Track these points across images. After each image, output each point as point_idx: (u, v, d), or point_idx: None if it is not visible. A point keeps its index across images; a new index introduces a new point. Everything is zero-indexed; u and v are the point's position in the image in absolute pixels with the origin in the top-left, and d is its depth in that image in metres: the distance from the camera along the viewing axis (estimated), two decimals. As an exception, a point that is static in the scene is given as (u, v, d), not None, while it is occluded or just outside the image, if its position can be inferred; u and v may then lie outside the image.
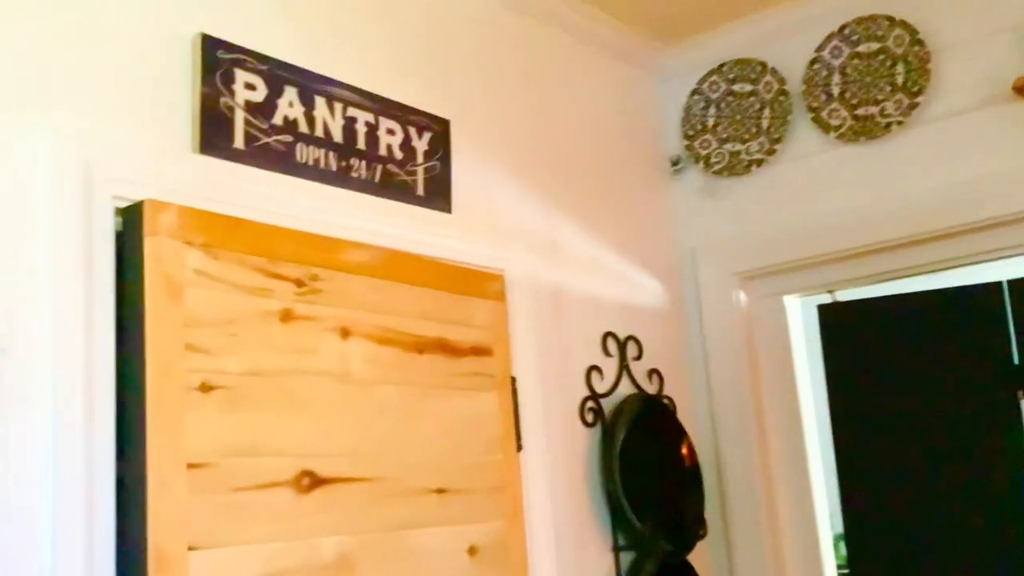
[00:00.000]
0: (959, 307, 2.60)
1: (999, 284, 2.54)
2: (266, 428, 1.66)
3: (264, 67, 1.85)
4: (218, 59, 1.77)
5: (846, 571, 2.82)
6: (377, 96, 2.06)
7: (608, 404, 2.51)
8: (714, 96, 2.88)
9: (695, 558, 2.57)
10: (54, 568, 1.39)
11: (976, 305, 2.56)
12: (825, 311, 2.77)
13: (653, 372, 2.70)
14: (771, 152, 2.75)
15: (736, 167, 2.81)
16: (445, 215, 2.19)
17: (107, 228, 1.57)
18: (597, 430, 2.47)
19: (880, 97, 2.57)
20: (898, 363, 2.67)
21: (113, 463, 1.50)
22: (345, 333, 1.85)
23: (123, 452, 1.52)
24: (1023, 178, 2.37)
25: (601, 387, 2.52)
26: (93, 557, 1.44)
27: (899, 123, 2.53)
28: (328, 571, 1.71)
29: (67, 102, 1.56)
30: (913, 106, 2.51)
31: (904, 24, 2.55)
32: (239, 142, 1.78)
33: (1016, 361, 2.50)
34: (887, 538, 2.65)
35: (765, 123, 2.77)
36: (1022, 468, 2.46)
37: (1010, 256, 2.51)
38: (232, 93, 1.78)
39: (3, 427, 1.37)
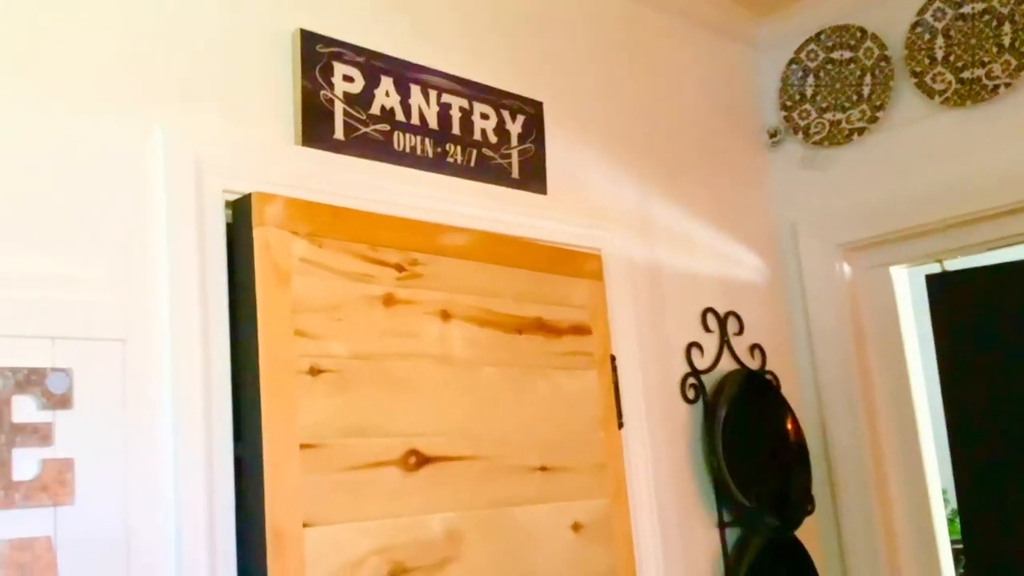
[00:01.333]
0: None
1: (1120, 248, 2.43)
2: (372, 409, 1.72)
3: (360, 59, 1.89)
4: (317, 53, 1.82)
5: (960, 547, 2.75)
6: (470, 82, 2.09)
7: (709, 380, 2.50)
8: (812, 65, 2.82)
9: (803, 534, 2.54)
10: (179, 546, 1.47)
11: (1096, 270, 2.46)
12: (934, 281, 2.68)
13: (755, 347, 2.68)
14: (873, 120, 2.68)
15: (837, 136, 2.76)
16: (540, 196, 2.21)
17: (218, 220, 1.64)
18: (699, 406, 2.47)
19: (986, 59, 2.48)
20: (1013, 333, 2.57)
21: (231, 445, 1.57)
22: (445, 316, 1.89)
23: (239, 434, 1.60)
24: None
25: (702, 363, 2.51)
26: (215, 535, 1.51)
27: (1007, 85, 2.44)
28: (437, 546, 1.76)
29: (176, 100, 1.64)
30: (1022, 67, 2.41)
31: (1010, -19, 2.45)
32: (339, 133, 1.83)
33: None
34: (1003, 515, 2.56)
35: (866, 90, 2.70)
36: None
37: None
38: (331, 86, 1.84)
39: (126, 413, 1.46)
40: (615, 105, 2.48)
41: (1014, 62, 2.43)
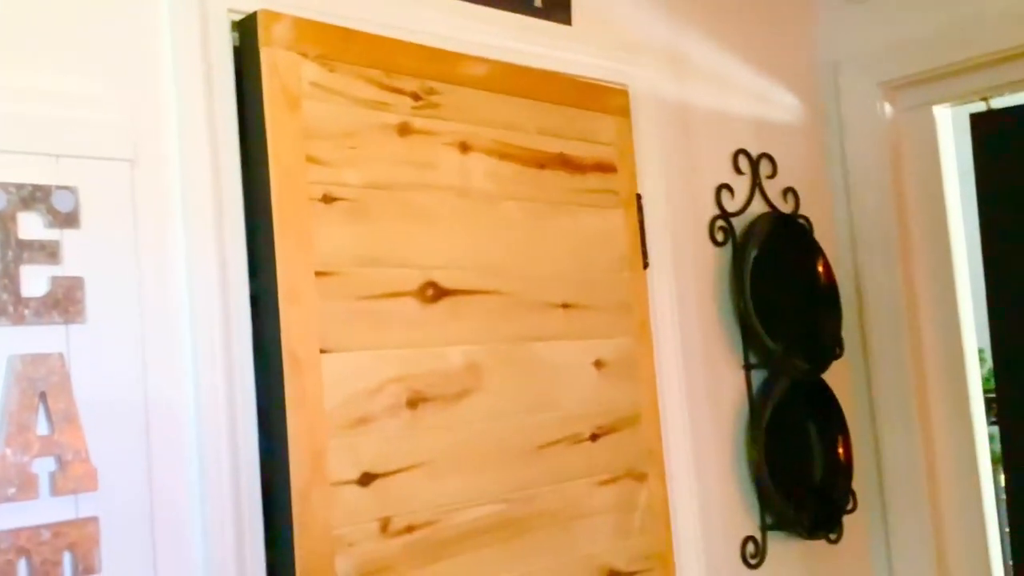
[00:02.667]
0: None
1: None
2: (389, 239, 1.69)
3: None
4: None
5: (993, 397, 2.72)
6: (489, -100, 1.97)
7: (739, 223, 2.44)
8: None
9: (831, 378, 2.52)
10: (195, 368, 1.47)
11: None
12: (978, 120, 2.56)
13: (788, 191, 2.60)
14: (923, -53, 2.52)
15: (883, -33, 2.60)
16: (565, 27, 2.11)
17: (224, 41, 1.58)
18: (727, 249, 2.41)
19: None
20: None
21: (245, 270, 1.56)
22: (464, 147, 1.84)
23: (253, 266, 1.58)
24: None
25: (732, 206, 2.44)
26: (232, 362, 1.51)
27: (1071, -98, 2.27)
28: (457, 376, 1.76)
29: (177, -85, 1.56)
30: None
31: None
32: (349, -48, 1.75)
33: None
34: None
35: (916, -85, 2.53)
36: None
37: None
38: (340, -99, 1.74)
39: (137, 235, 1.44)
40: (646, -68, 2.35)
41: None
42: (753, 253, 2.38)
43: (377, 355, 1.64)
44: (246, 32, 1.58)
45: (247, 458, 1.51)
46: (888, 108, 2.66)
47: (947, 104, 2.65)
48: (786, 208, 2.58)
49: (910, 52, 2.57)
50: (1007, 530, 2.64)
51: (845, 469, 2.50)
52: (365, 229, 1.66)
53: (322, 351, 1.57)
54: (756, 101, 2.58)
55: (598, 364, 2.02)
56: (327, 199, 1.61)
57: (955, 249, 2.67)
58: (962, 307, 2.66)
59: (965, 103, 2.63)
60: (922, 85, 2.61)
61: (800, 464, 2.48)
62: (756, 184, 2.52)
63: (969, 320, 2.68)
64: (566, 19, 2.11)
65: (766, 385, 2.40)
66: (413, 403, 1.68)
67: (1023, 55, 2.40)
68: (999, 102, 2.58)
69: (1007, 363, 2.58)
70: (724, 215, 2.42)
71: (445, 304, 1.76)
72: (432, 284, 1.74)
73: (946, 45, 2.50)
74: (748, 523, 2.35)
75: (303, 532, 1.50)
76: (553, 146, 2.01)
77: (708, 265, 2.38)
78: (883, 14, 2.63)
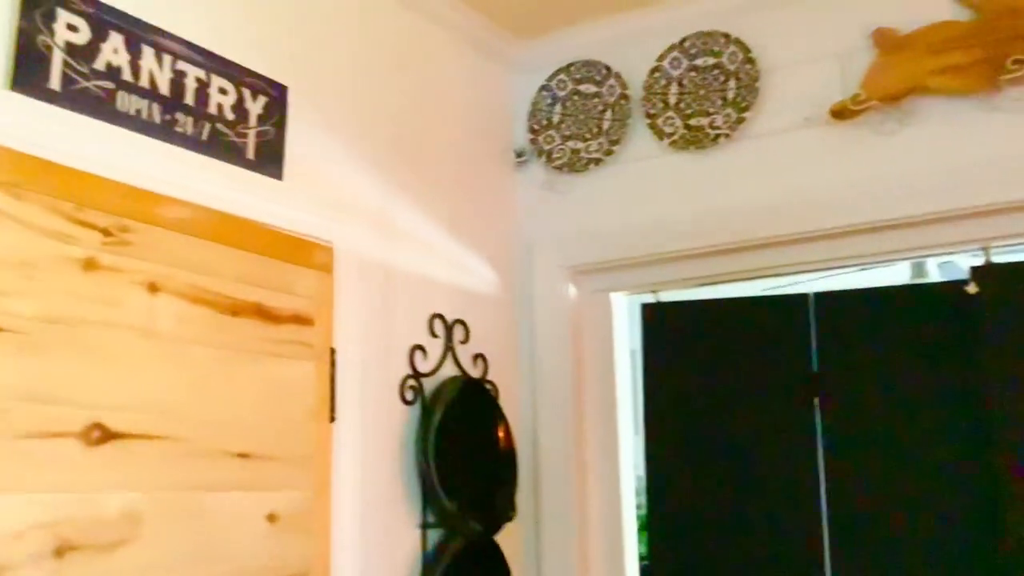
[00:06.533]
0: (769, 315, 2.74)
1: (806, 296, 2.69)
2: (58, 376, 1.63)
3: (90, 10, 1.80)
4: (39, -5, 1.71)
5: (647, 562, 2.93)
6: (211, 53, 2.03)
7: (429, 384, 2.54)
8: (561, 94, 2.95)
9: (504, 540, 2.62)
10: None
11: (784, 313, 2.70)
12: (648, 310, 2.87)
13: (478, 357, 2.75)
14: (609, 153, 2.84)
15: (576, 164, 2.89)
16: (275, 181, 2.17)
17: None
18: (416, 408, 2.50)
19: (711, 110, 2.69)
20: (710, 364, 2.79)
21: None
22: (153, 288, 1.82)
23: None
24: (835, 197, 2.51)
25: (424, 367, 2.55)
26: None
27: (726, 136, 2.66)
28: (113, 526, 1.68)
29: None
30: (740, 120, 2.64)
31: (739, 42, 2.67)
32: (55, 83, 1.73)
33: (815, 369, 2.66)
34: (687, 531, 2.76)
35: (606, 124, 2.86)
36: (813, 468, 2.61)
37: (817, 270, 2.68)
38: (52, 32, 1.73)
39: None
40: (366, 102, 2.49)
41: (734, 115, 2.65)
42: (439, 414, 2.48)
43: (23, 498, 1.55)
44: (-77, 148, 1.52)
45: None
46: (573, 289, 2.92)
47: (623, 292, 2.94)
48: (475, 373, 2.72)
49: (593, 242, 2.85)
50: None
51: (510, 632, 2.59)
52: (31, 363, 1.59)
53: (-40, 492, 1.46)
54: (456, 270, 2.74)
55: (271, 517, 2.00)
56: (-9, 329, 1.54)
57: (621, 422, 2.91)
58: (624, 479, 2.88)
59: (639, 293, 2.93)
60: (602, 273, 2.90)
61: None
62: (449, 348, 2.64)
63: (630, 491, 2.91)
64: (277, 174, 2.17)
65: (440, 545, 2.46)
66: (60, 552, 1.59)
67: (684, 258, 2.74)
68: (666, 296, 2.90)
69: (661, 535, 2.81)
70: (416, 375, 2.52)
71: (110, 448, 1.70)
72: (99, 426, 1.68)
73: (623, 242, 2.80)
74: None
75: None
76: (250, 295, 2.03)
77: (396, 423, 2.45)
78: (573, 206, 2.91)
